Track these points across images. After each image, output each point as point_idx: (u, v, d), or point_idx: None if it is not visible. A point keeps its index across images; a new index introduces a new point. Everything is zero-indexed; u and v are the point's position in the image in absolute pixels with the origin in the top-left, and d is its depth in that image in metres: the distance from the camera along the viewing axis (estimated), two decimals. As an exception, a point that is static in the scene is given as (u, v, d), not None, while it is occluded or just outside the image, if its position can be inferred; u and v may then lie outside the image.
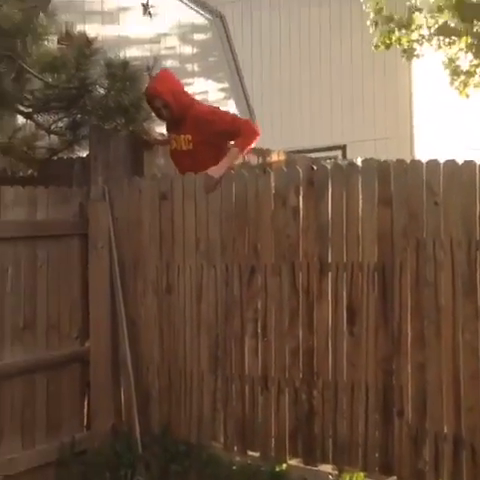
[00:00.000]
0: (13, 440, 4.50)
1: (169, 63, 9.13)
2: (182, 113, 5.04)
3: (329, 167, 4.42)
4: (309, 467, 4.26)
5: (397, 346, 4.03)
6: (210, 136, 4.97)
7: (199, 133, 4.97)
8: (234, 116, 5.37)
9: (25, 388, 4.59)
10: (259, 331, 4.47)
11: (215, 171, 4.73)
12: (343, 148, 13.29)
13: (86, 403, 4.98)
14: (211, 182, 4.68)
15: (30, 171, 5.76)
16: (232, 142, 5.00)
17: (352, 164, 4.42)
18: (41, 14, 5.23)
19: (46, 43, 5.26)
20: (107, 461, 4.68)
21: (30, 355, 4.63)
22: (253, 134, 5.04)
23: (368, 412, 4.10)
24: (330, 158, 11.28)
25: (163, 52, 9.29)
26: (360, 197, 4.19)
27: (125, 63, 5.35)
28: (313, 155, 10.12)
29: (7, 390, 4.48)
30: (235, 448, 4.55)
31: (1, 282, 4.51)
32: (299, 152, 9.83)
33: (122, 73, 5.28)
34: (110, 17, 8.87)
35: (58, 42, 5.38)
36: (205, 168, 4.82)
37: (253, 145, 5.13)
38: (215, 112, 5.23)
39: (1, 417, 4.44)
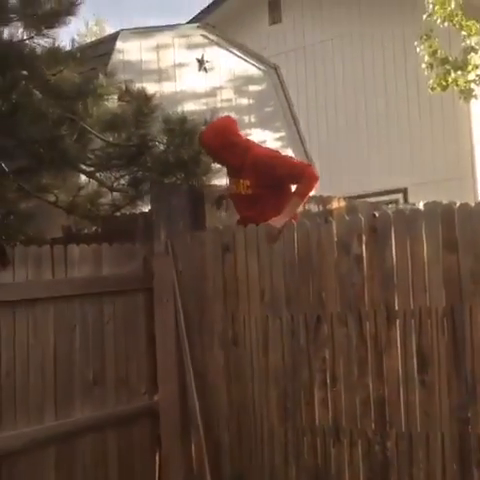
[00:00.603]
0: (86, 498, 4.54)
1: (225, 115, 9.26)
2: (240, 160, 5.00)
3: (391, 213, 4.40)
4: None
5: (472, 393, 3.93)
6: (270, 181, 4.94)
7: (258, 178, 4.95)
8: (294, 160, 5.36)
9: (96, 444, 4.63)
10: (328, 381, 4.42)
11: (277, 221, 4.73)
12: (404, 191, 13.20)
13: (157, 457, 4.98)
14: (274, 232, 4.69)
15: (94, 228, 5.88)
16: (293, 187, 5.00)
17: (415, 209, 4.38)
18: (100, 75, 5.39)
19: (106, 103, 5.42)
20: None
21: (100, 411, 4.67)
22: (314, 179, 5.02)
23: (445, 463, 3.99)
24: (391, 202, 11.23)
25: (219, 105, 9.43)
26: (425, 242, 4.15)
27: (183, 118, 5.46)
28: (373, 199, 10.09)
29: (78, 447, 4.52)
30: (309, 501, 4.48)
31: (70, 339, 4.58)
32: (359, 197, 9.81)
33: (180, 128, 5.39)
34: (166, 74, 9.07)
35: (118, 99, 5.53)
36: (264, 214, 4.84)
37: (314, 191, 5.12)
38: (275, 156, 5.18)
39: (74, 475, 4.47)
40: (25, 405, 4.28)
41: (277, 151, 5.43)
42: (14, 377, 4.25)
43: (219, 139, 5.00)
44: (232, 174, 5.19)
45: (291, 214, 4.82)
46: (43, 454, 4.33)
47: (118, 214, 5.77)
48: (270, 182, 4.95)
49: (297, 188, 4.95)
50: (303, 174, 4.97)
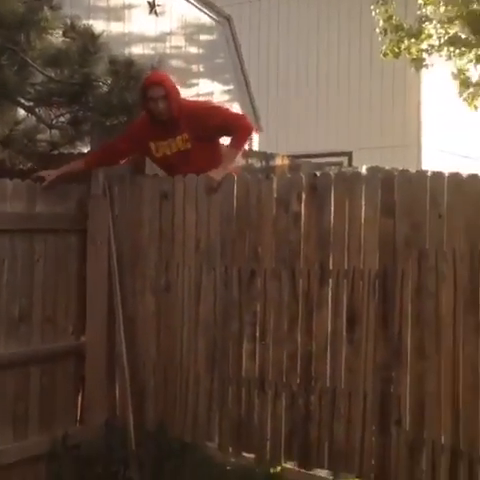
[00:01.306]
0: (5, 431, 4.48)
1: (174, 63, 9.13)
2: (177, 111, 4.81)
3: (332, 174, 4.41)
4: (304, 471, 4.25)
5: (396, 354, 4.01)
6: (204, 132, 4.84)
7: (195, 129, 4.83)
8: (228, 111, 5.25)
9: (19, 380, 4.57)
10: (257, 334, 4.45)
11: (217, 173, 4.69)
12: (349, 155, 13.30)
13: (80, 397, 4.96)
14: (213, 184, 4.65)
15: (30, 164, 5.74)
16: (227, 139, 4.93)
17: (356, 172, 4.41)
18: (45, 8, 5.20)
19: (50, 37, 5.24)
20: (100, 456, 4.66)
21: (25, 347, 4.61)
22: (249, 129, 4.99)
23: (365, 419, 4.08)
24: (335, 164, 11.29)
25: (168, 51, 9.28)
26: (363, 205, 4.17)
27: (130, 61, 5.33)
28: (318, 160, 10.12)
29: (0, 381, 4.45)
30: (230, 449, 4.53)
31: (-2, 273, 4.49)
32: (304, 157, 9.83)
33: (126, 71, 5.26)
34: (115, 14, 8.85)
35: (63, 35, 5.36)
36: (201, 167, 4.78)
37: (249, 141, 5.06)
38: (209, 107, 5.14)
39: (-6, 408, 4.43)
40: None
41: (209, 102, 5.35)
42: None
43: (169, 78, 4.91)
44: (158, 135, 4.92)
45: (229, 165, 4.78)
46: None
47: (56, 152, 5.64)
48: (204, 134, 4.85)
49: (232, 139, 4.87)
50: (237, 125, 4.90)
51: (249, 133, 4.96)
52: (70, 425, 4.87)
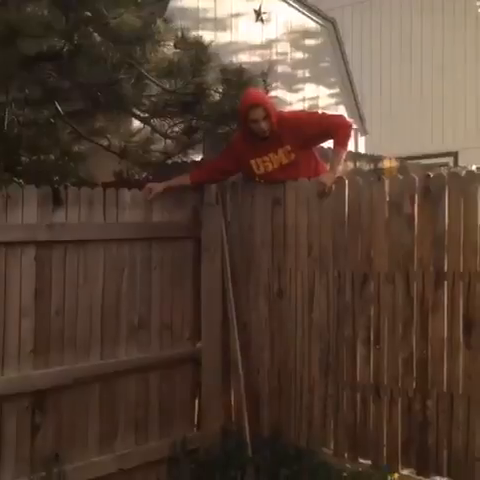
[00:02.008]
0: (127, 436, 4.63)
1: (280, 68, 9.18)
2: (278, 126, 4.86)
3: (446, 174, 4.34)
4: (422, 478, 4.19)
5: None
6: (307, 138, 4.88)
7: (297, 140, 4.87)
8: (324, 113, 5.22)
9: (139, 385, 4.70)
10: (372, 339, 4.43)
11: (327, 177, 4.71)
12: (455, 155, 13.01)
13: (197, 403, 5.07)
14: (324, 188, 4.67)
15: (145, 174, 5.92)
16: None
17: (470, 172, 4.33)
18: (158, 20, 5.35)
19: (163, 49, 5.39)
20: (217, 461, 4.74)
21: (144, 354, 4.74)
22: (347, 126, 4.96)
23: (486, 425, 4.00)
24: (441, 165, 11.08)
25: (274, 58, 9.35)
26: (479, 204, 4.09)
27: (240, 69, 5.42)
28: (424, 161, 9.96)
29: (122, 387, 4.60)
30: (346, 455, 4.53)
31: (118, 282, 4.64)
32: (408, 158, 9.70)
33: (237, 79, 5.34)
34: (223, 23, 8.99)
35: (175, 46, 5.50)
36: (308, 176, 4.85)
37: (350, 138, 5.00)
38: (305, 114, 5.17)
39: (116, 413, 4.57)
40: (72, 343, 4.36)
41: (300, 111, 5.36)
42: (63, 316, 4.32)
43: (265, 95, 4.97)
44: (265, 150, 4.96)
45: (338, 167, 4.77)
46: (88, 391, 4.43)
47: (170, 162, 5.79)
48: (306, 141, 4.90)
49: (334, 140, 4.85)
50: (336, 124, 4.89)
51: (349, 130, 4.94)
52: (188, 430, 4.97)
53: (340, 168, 4.82)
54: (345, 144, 4.91)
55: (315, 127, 4.88)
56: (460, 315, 4.11)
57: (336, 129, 4.86)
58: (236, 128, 5.26)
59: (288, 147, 4.89)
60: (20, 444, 4.11)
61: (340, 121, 4.98)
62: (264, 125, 4.85)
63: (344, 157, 4.95)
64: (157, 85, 5.30)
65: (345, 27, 12.73)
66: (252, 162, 5.00)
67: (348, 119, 5.02)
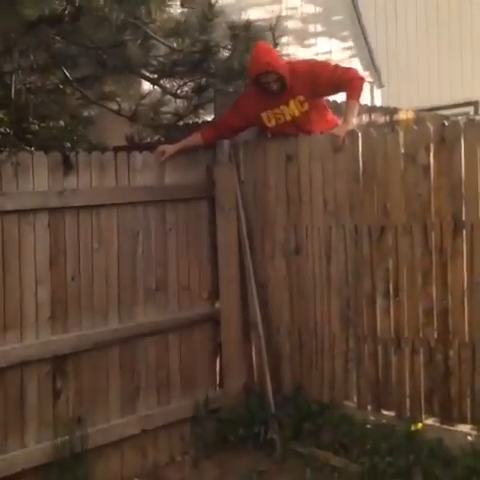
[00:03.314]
0: (149, 397, 4.65)
1: (291, 24, 9.02)
2: (289, 79, 4.76)
3: (461, 123, 4.25)
4: (446, 427, 4.17)
5: None
6: (319, 90, 4.82)
7: (310, 89, 4.79)
8: (336, 65, 5.05)
9: (159, 347, 4.72)
10: (391, 291, 4.39)
11: (340, 129, 4.64)
12: (475, 104, 12.77)
13: (218, 362, 5.07)
14: (338, 141, 4.59)
15: (157, 137, 5.87)
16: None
17: (485, 118, 4.24)
18: (163, -20, 5.27)
19: (169, 9, 5.30)
20: (240, 418, 4.77)
21: (163, 315, 4.74)
22: (359, 78, 4.86)
23: (508, 371, 3.96)
24: (462, 115, 10.88)
25: (285, 13, 9.17)
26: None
27: (247, 24, 5.33)
28: (443, 112, 9.79)
29: (141, 349, 4.61)
30: (369, 407, 4.52)
31: (133, 246, 4.62)
32: (428, 110, 9.53)
33: (245, 34, 5.26)
34: (231, -21, 8.83)
35: (181, 6, 5.41)
36: (318, 128, 4.79)
37: (362, 90, 4.90)
38: (317, 63, 5.04)
39: (137, 375, 4.59)
40: (90, 308, 4.37)
41: (313, 60, 5.26)
42: (79, 281, 4.33)
43: (275, 55, 4.84)
44: (276, 102, 4.89)
45: (351, 119, 4.69)
46: (108, 355, 4.44)
47: (181, 123, 5.73)
48: (318, 90, 4.83)
49: (347, 92, 4.77)
50: (348, 76, 4.80)
51: (361, 82, 4.84)
52: (210, 390, 4.99)
53: (353, 120, 4.74)
54: (358, 97, 4.82)
55: (328, 76, 4.80)
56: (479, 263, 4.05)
57: (348, 82, 4.77)
58: (246, 84, 5.19)
59: (301, 97, 4.82)
60: (42, 409, 4.14)
61: (352, 74, 4.88)
62: (275, 85, 4.79)
63: (357, 110, 4.86)
64: (164, 45, 5.24)
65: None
66: (263, 115, 4.93)
67: (361, 73, 4.89)
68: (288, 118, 4.89)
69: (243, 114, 4.95)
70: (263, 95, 4.86)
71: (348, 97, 4.79)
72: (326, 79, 4.78)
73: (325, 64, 5.11)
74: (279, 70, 4.72)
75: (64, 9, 4.57)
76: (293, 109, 4.87)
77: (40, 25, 4.42)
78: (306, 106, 4.84)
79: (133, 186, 4.62)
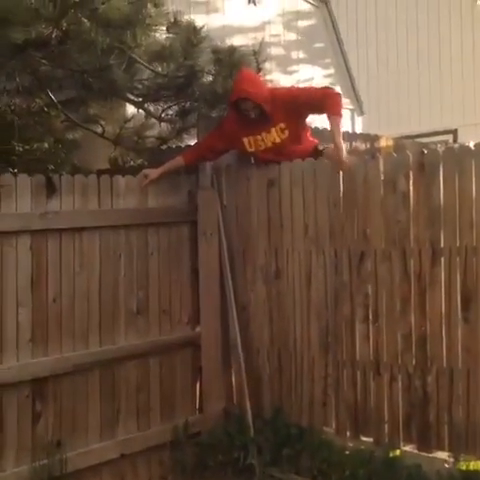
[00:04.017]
0: (129, 421, 4.64)
1: (274, 51, 9.13)
2: (269, 107, 4.81)
3: (440, 151, 4.33)
4: (424, 454, 4.19)
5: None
6: (299, 115, 4.87)
7: (290, 117, 4.84)
8: (308, 87, 5.14)
9: (139, 371, 4.71)
10: (370, 317, 4.43)
11: (338, 153, 4.57)
12: (454, 132, 12.95)
13: (198, 386, 5.07)
14: (343, 167, 4.57)
15: (140, 160, 5.90)
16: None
17: (464, 147, 4.30)
18: (149, 5, 5.32)
19: (154, 34, 5.36)
20: (220, 443, 4.76)
21: (143, 339, 4.75)
22: (336, 95, 4.82)
23: (485, 399, 4.00)
24: (441, 143, 11.03)
25: (268, 40, 9.27)
26: (473, 180, 4.07)
27: (232, 49, 5.40)
28: (422, 140, 9.92)
29: (122, 373, 4.61)
30: (347, 433, 4.54)
31: (115, 268, 4.63)
32: (408, 137, 9.66)
33: (229, 59, 5.32)
34: (214, 6, 8.94)
35: (167, 31, 5.47)
36: (299, 150, 4.85)
37: (341, 107, 4.86)
38: (294, 89, 5.08)
39: (117, 399, 4.58)
40: (71, 331, 4.37)
41: (292, 87, 5.30)
42: (60, 303, 4.33)
43: (255, 83, 4.85)
44: (257, 128, 4.93)
45: (340, 136, 4.63)
46: (88, 378, 4.43)
47: (164, 147, 5.77)
48: (298, 115, 4.88)
49: (327, 111, 4.73)
50: (324, 94, 4.78)
51: (338, 97, 4.82)
52: (190, 414, 4.98)
53: (341, 138, 4.66)
54: (338, 112, 4.78)
55: (306, 96, 4.83)
56: (458, 290, 4.10)
57: (326, 98, 4.75)
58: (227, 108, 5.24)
59: (282, 124, 4.87)
60: (21, 432, 4.12)
61: (328, 91, 4.88)
62: (254, 112, 4.85)
63: (341, 125, 4.84)
64: (149, 69, 5.29)
65: (340, 7, 12.65)
66: (244, 140, 4.98)
67: (335, 90, 4.92)
68: (269, 145, 4.93)
69: (226, 136, 5.00)
70: (245, 120, 4.91)
71: (329, 114, 4.74)
72: (305, 99, 4.81)
73: (303, 88, 5.16)
74: (256, 98, 4.77)
75: (51, 33, 4.62)
76: (274, 136, 4.91)
77: (27, 49, 4.45)
78: (287, 133, 4.89)
79: (116, 209, 4.64)
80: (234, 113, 4.98)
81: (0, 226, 4.06)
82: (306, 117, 5.00)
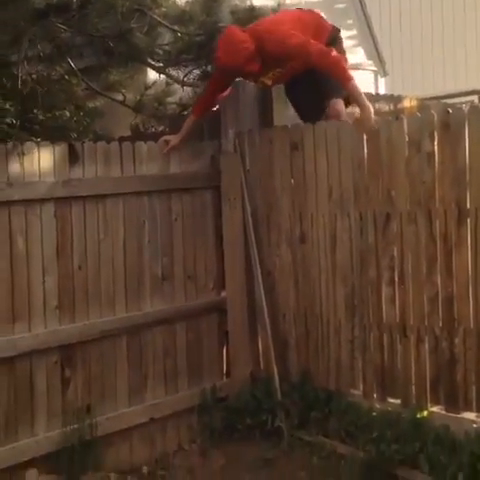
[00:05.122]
0: (157, 386, 4.68)
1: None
2: (253, 67, 4.72)
3: (465, 110, 4.25)
4: (451, 414, 4.17)
5: None
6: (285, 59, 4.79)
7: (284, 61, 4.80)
8: (305, 49, 4.70)
9: (166, 337, 4.75)
10: (396, 279, 4.40)
11: (366, 111, 4.45)
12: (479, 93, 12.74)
13: (225, 351, 5.10)
14: (368, 122, 4.47)
15: (162, 127, 5.88)
16: None
17: (490, 105, 4.23)
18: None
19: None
20: (247, 407, 4.79)
21: (169, 305, 4.77)
22: (340, 61, 4.60)
23: (514, 358, 3.97)
24: (465, 103, 10.86)
25: (288, 1, 9.14)
26: (500, 138, 4.01)
27: (251, 8, 5.35)
28: (447, 101, 9.76)
29: (149, 338, 4.65)
30: (374, 395, 4.53)
31: (139, 235, 4.65)
32: (432, 98, 9.51)
33: (248, 18, 5.26)
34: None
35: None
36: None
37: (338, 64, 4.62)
38: (282, 45, 4.71)
39: (145, 364, 4.63)
40: (97, 297, 4.40)
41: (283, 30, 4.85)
42: (86, 270, 4.36)
43: (234, 57, 4.66)
44: (256, 77, 4.93)
45: (362, 99, 4.47)
46: (115, 344, 4.48)
47: (186, 113, 5.74)
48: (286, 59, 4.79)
49: (338, 80, 4.56)
50: (328, 64, 4.55)
51: (343, 63, 4.61)
52: (217, 378, 5.02)
53: (363, 98, 4.51)
54: (349, 77, 4.55)
55: (306, 61, 4.67)
56: (484, 250, 4.06)
57: (331, 70, 4.57)
58: None
59: (278, 70, 4.87)
60: (51, 397, 4.18)
61: (330, 60, 4.56)
62: (238, 76, 4.89)
63: (358, 87, 4.65)
64: (170, 30, 5.24)
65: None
66: (249, 80, 5.02)
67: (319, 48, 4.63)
68: (274, 79, 4.95)
69: (225, 73, 4.90)
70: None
71: (341, 83, 4.58)
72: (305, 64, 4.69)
73: (299, 49, 4.69)
74: (234, 67, 4.70)
75: (71, -1, 4.61)
76: (274, 74, 4.92)
77: (48, 14, 4.43)
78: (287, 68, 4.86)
79: (138, 175, 4.64)
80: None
81: (24, 194, 4.08)
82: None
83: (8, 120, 4.67)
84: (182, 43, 5.24)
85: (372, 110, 4.47)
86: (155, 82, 5.92)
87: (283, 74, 4.93)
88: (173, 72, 5.54)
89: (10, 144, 4.08)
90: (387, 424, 4.23)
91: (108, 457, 4.36)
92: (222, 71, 4.88)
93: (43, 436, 4.12)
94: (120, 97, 5.80)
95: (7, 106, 4.67)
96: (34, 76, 5.28)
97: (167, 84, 5.89)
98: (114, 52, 5.12)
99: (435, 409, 4.26)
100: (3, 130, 4.58)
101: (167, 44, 5.33)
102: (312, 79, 4.83)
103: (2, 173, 4.01)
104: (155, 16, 4.99)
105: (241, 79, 5.09)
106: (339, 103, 4.87)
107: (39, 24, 4.56)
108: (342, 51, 4.96)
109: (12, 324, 4.03)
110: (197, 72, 5.47)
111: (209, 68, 5.38)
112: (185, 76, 5.49)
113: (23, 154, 4.09)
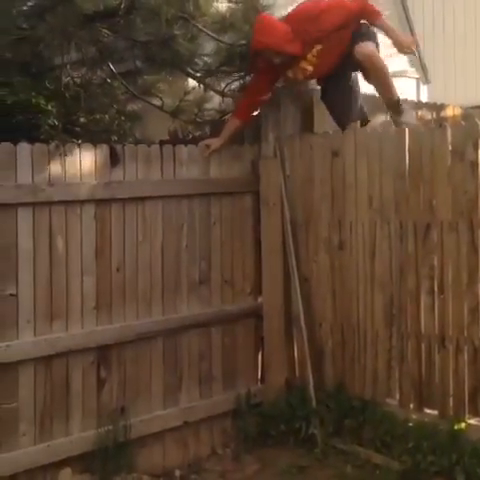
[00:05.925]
0: (191, 389, 4.68)
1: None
2: (292, 47, 4.73)
3: (510, 119, 4.20)
4: (490, 427, 4.13)
5: None
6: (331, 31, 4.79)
7: (322, 35, 4.77)
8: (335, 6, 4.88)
9: (201, 340, 4.75)
10: (435, 289, 4.35)
11: (400, 36, 4.86)
12: (522, 102, 12.58)
13: (260, 357, 5.08)
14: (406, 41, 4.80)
15: (199, 133, 5.88)
16: None
17: None
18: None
19: (216, 4, 5.32)
20: (282, 413, 4.77)
21: (206, 309, 4.77)
22: (368, 4, 4.81)
23: None
24: (509, 112, 10.72)
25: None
26: None
27: None
28: (490, 110, 9.65)
29: (185, 341, 4.65)
30: (411, 406, 4.48)
31: (177, 238, 4.65)
32: (475, 107, 9.40)
33: None
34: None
35: (228, 1, 5.42)
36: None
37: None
38: (318, 13, 4.82)
39: (180, 367, 4.63)
40: (134, 299, 4.41)
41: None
42: (124, 272, 4.37)
43: (271, 35, 4.71)
44: (292, 62, 4.89)
45: (394, 30, 4.84)
46: (151, 346, 4.48)
47: (225, 118, 5.74)
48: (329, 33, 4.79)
49: (368, 20, 4.79)
50: (359, 9, 4.77)
51: (371, 5, 4.80)
52: (252, 384, 5.01)
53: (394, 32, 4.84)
54: (378, 14, 4.79)
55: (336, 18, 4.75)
56: (527, 262, 4.00)
57: (362, 14, 4.77)
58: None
59: (317, 47, 4.81)
60: (87, 398, 4.20)
61: (361, 4, 4.79)
62: (277, 58, 4.80)
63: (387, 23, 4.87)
64: (213, 38, 5.24)
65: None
66: (288, 72, 4.97)
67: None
68: (305, 75, 4.95)
69: (266, 71, 4.93)
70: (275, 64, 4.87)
71: (372, 22, 4.81)
72: (332, 25, 4.75)
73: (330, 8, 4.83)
74: (274, 46, 4.70)
75: (120, 3, 4.64)
76: (310, 61, 4.87)
77: (95, 19, 4.48)
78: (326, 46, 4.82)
79: (178, 179, 4.65)
80: (261, 60, 4.90)
81: (65, 195, 4.11)
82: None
83: (50, 121, 4.73)
84: (224, 54, 5.23)
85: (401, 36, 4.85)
86: (194, 88, 5.92)
87: (323, 53, 4.84)
88: (211, 81, 5.54)
89: (52, 145, 4.12)
90: (423, 435, 4.18)
91: (141, 459, 4.36)
92: (262, 59, 4.85)
93: (78, 436, 4.14)
94: (158, 102, 5.82)
95: (49, 107, 4.72)
96: (77, 79, 5.33)
97: (205, 90, 5.89)
98: (156, 58, 5.14)
99: (473, 421, 4.20)
100: (45, 131, 4.64)
101: (208, 55, 5.34)
102: (344, 82, 4.93)
103: (44, 174, 4.04)
104: (198, 24, 4.99)
105: (281, 84, 5.08)
106: (367, 46, 4.79)
107: (86, 28, 4.61)
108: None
109: (50, 323, 4.05)
110: (237, 84, 5.45)
111: (248, 79, 5.35)
112: (226, 87, 5.48)
113: (65, 155, 4.12)
